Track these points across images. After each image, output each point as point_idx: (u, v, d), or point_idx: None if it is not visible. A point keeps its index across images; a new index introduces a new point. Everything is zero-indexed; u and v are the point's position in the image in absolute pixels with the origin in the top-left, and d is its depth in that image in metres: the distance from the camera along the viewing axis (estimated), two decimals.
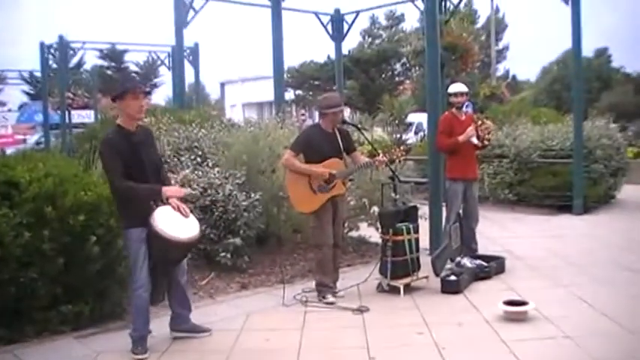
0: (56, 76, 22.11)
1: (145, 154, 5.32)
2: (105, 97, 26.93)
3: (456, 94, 8.07)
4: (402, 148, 7.53)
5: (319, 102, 7.04)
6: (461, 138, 7.82)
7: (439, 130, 8.16)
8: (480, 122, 8.05)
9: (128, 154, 5.19)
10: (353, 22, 14.02)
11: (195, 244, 5.63)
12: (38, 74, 26.84)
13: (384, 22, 47.86)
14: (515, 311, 6.03)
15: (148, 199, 5.22)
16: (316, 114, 7.49)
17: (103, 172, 5.53)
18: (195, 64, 18.68)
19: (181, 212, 5.27)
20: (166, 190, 5.29)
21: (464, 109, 8.31)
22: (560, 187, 12.60)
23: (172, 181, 7.17)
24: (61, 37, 20.40)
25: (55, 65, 21.54)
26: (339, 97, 7.44)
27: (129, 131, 5.29)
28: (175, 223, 5.18)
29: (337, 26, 13.90)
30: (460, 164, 8.00)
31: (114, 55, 42.79)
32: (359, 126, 8.13)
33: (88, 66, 35.92)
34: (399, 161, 7.40)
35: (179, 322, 5.70)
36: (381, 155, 6.96)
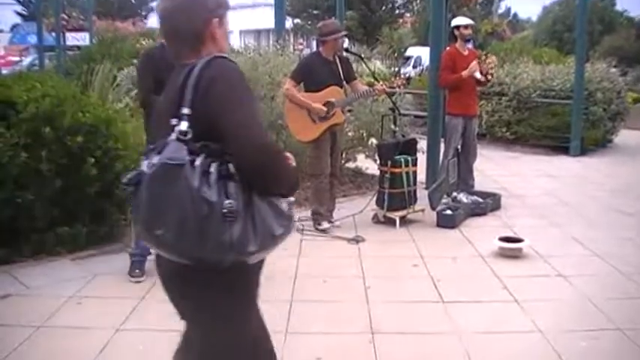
0: None
1: None
2: (101, 20, 26.55)
3: (466, 26, 7.94)
4: (402, 77, 7.42)
5: (319, 29, 6.93)
6: (464, 73, 7.71)
7: (442, 65, 8.04)
8: (483, 57, 7.95)
9: (164, 72, 5.10)
10: None
11: None
12: None
13: None
14: (510, 248, 6.07)
15: None
16: (314, 44, 7.39)
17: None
18: None
19: None
20: None
21: (467, 45, 8.21)
22: (558, 128, 12.58)
23: None
24: None
25: None
26: (338, 23, 7.29)
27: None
28: None
29: None
30: (461, 100, 7.92)
31: None
32: (362, 56, 8.01)
33: None
34: (400, 93, 7.32)
35: None
36: (381, 83, 6.89)
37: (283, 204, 2.25)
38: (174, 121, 2.14)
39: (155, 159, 2.10)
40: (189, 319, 2.52)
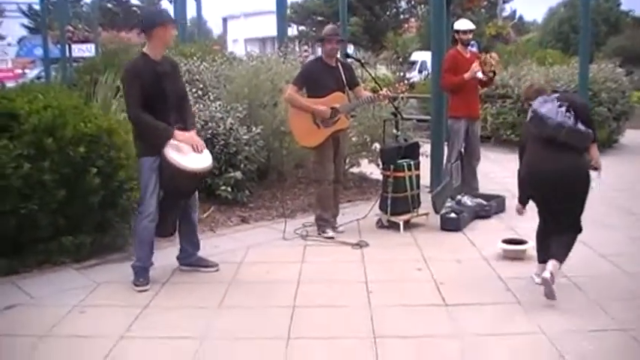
0: (56, 9, 21.80)
1: (168, 84, 5.26)
2: (106, 31, 26.68)
3: (465, 32, 7.95)
4: (405, 83, 7.41)
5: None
6: (467, 75, 7.71)
7: (444, 67, 8.05)
8: (484, 56, 7.93)
9: (150, 83, 5.14)
10: None
11: (206, 175, 5.64)
12: (37, 7, 26.47)
13: None
14: (514, 250, 6.06)
15: (158, 138, 5.17)
16: (319, 50, 7.39)
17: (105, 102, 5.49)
18: None
19: (194, 148, 5.27)
20: (178, 135, 5.22)
21: (470, 47, 8.22)
22: None
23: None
24: None
25: None
26: (331, 27, 7.21)
27: (154, 60, 5.24)
28: (187, 154, 5.20)
29: None
30: (464, 103, 7.92)
31: None
32: (362, 61, 8.02)
33: None
34: (402, 98, 7.31)
35: (185, 257, 5.75)
36: (384, 90, 6.88)
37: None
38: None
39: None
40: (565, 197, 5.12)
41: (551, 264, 4.92)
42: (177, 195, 5.39)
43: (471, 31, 8.02)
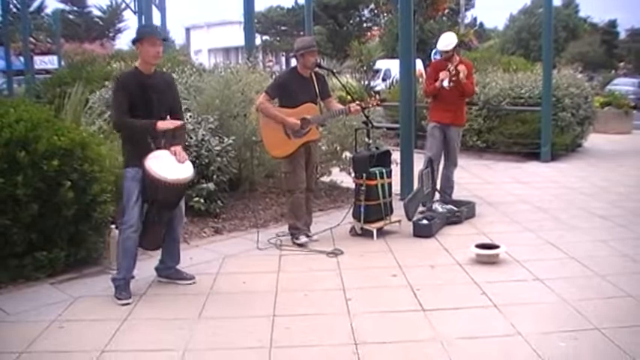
0: (17, 21, 21.56)
1: (156, 97, 5.30)
2: (68, 42, 26.41)
3: (443, 52, 8.17)
4: (377, 97, 7.49)
5: (293, 46, 6.98)
6: (437, 84, 7.94)
7: (427, 76, 8.37)
8: (450, 66, 8.07)
9: (137, 95, 5.20)
10: None
11: (184, 186, 5.57)
12: None
13: None
14: (487, 254, 6.16)
15: (143, 132, 5.21)
16: (283, 60, 7.42)
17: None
18: (162, 8, 18.37)
19: (177, 158, 5.28)
20: (161, 124, 5.24)
21: (434, 55, 8.39)
22: (528, 135, 12.76)
23: None
24: None
25: (15, 10, 20.98)
26: (310, 39, 7.32)
27: (143, 74, 5.31)
28: (168, 165, 5.19)
29: None
30: (438, 108, 8.15)
31: None
32: (334, 70, 8.08)
33: (48, 10, 35.15)
34: (372, 106, 7.42)
35: (163, 269, 5.73)
36: (356, 103, 6.94)
37: None
38: None
39: None
40: None
41: None
42: (160, 206, 5.36)
43: (446, 51, 8.13)
